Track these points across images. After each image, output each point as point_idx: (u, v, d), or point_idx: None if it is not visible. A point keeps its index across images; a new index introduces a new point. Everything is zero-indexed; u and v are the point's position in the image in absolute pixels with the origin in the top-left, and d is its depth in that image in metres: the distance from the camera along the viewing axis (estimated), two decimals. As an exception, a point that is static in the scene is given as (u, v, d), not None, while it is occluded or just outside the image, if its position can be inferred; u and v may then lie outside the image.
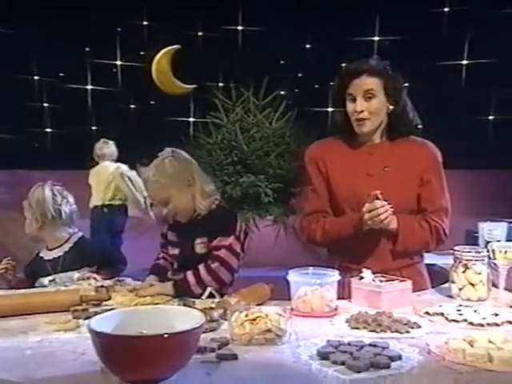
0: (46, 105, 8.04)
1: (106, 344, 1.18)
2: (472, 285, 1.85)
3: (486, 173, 7.00)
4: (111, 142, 6.17)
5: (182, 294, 1.96)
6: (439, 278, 2.32)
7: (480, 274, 1.85)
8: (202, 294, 1.91)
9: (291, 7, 7.83)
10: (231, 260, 2.05)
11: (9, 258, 2.52)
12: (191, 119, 8.60)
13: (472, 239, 2.89)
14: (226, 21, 8.52)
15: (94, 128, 8.36)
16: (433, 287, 2.14)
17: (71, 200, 2.55)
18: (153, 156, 6.89)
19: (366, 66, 2.03)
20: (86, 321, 1.65)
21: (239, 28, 8.64)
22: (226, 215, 2.18)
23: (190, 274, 2.02)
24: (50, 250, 2.52)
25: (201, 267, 2.02)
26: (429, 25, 7.91)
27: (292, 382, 1.18)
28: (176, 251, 2.22)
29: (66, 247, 2.50)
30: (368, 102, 2.01)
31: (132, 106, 8.64)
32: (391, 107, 2.05)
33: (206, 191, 2.15)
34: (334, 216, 2.13)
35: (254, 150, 5.95)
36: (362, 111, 2.00)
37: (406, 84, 2.15)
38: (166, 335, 1.16)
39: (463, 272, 1.87)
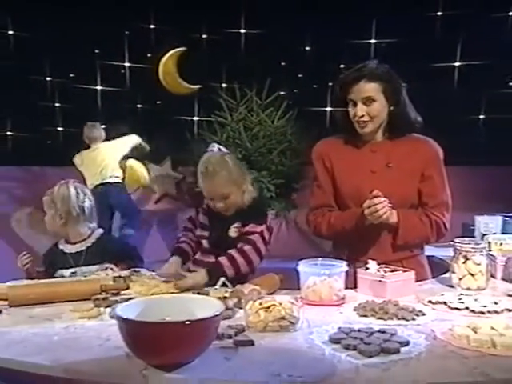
0: (57, 104, 8.01)
1: (132, 330, 1.19)
2: (472, 275, 1.86)
3: (475, 169, 7.00)
4: (98, 124, 6.20)
5: (216, 277, 1.98)
6: (438, 268, 2.33)
7: (479, 264, 1.87)
8: (215, 284, 1.92)
9: (291, 11, 7.82)
10: (261, 246, 2.10)
11: (26, 253, 2.53)
12: (195, 118, 8.59)
13: (468, 232, 2.90)
14: (229, 24, 8.50)
15: (103, 126, 8.36)
16: (433, 278, 2.15)
17: (90, 196, 2.55)
18: (160, 153, 6.81)
19: (364, 72, 2.02)
20: (108, 309, 1.67)
21: (242, 31, 8.62)
22: (260, 206, 2.27)
23: (223, 258, 2.04)
24: (73, 243, 2.50)
25: (233, 251, 2.06)
26: (423, 28, 7.89)
27: (307, 366, 1.19)
28: (205, 233, 2.25)
29: (89, 242, 2.49)
30: (368, 106, 2.01)
31: (139, 106, 8.62)
32: (392, 107, 2.06)
33: (250, 189, 2.20)
34: (339, 210, 2.14)
35: (257, 148, 5.97)
36: (362, 115, 2.01)
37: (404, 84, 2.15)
38: (187, 322, 1.17)
39: (463, 263, 1.88)
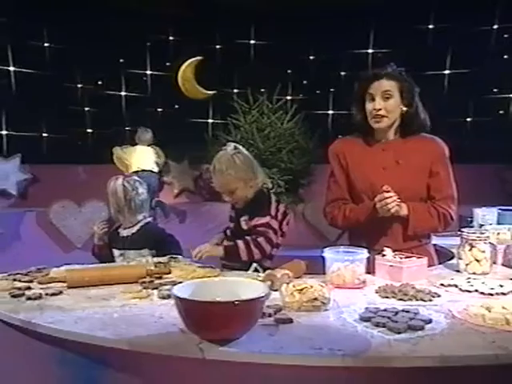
0: (87, 109, 8.08)
1: (188, 308, 1.21)
2: (477, 261, 1.87)
3: (464, 167, 7.00)
4: (149, 129, 6.58)
5: (231, 256, 2.04)
6: (440, 256, 2.33)
7: (484, 251, 1.88)
8: (248, 268, 1.94)
9: (296, 24, 7.83)
10: (270, 235, 2.13)
11: (103, 220, 2.58)
12: (210, 120, 8.62)
13: (465, 223, 2.90)
14: (240, 36, 8.54)
15: (127, 128, 8.41)
16: (439, 264, 2.15)
17: (141, 190, 2.55)
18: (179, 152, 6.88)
19: (384, 72, 2.03)
20: (154, 290, 1.69)
21: (251, 42, 8.64)
22: (262, 199, 2.22)
23: (240, 242, 2.08)
24: (124, 228, 2.56)
25: (250, 239, 2.08)
26: (416, 39, 7.92)
27: (344, 340, 1.20)
28: (231, 224, 2.30)
29: (134, 229, 2.54)
30: (385, 101, 2.01)
31: (159, 110, 8.66)
32: (405, 108, 2.05)
33: (261, 182, 2.19)
34: (354, 203, 2.14)
35: (268, 147, 5.99)
36: (379, 109, 2.01)
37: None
38: (236, 302, 1.18)
39: (469, 250, 1.89)
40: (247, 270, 1.93)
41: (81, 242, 5.74)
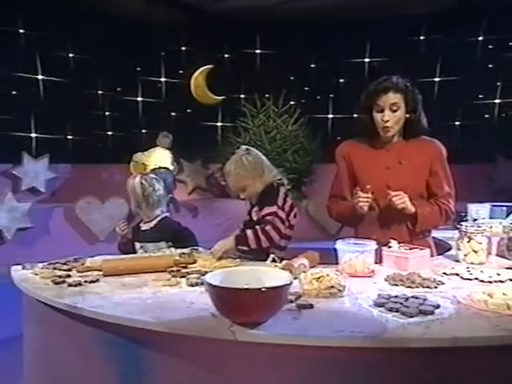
0: (107, 113, 8.09)
1: (220, 294, 1.22)
2: (475, 252, 1.88)
3: (454, 167, 6.98)
4: (170, 135, 6.69)
5: (240, 245, 2.04)
6: (439, 247, 2.33)
7: (481, 243, 1.88)
8: (266, 259, 1.94)
9: (298, 34, 7.83)
10: (278, 224, 2.11)
11: (124, 220, 2.57)
12: (219, 124, 8.63)
13: (459, 218, 2.89)
14: (247, 45, 8.55)
15: (143, 131, 8.43)
16: (438, 255, 2.15)
17: (158, 187, 2.53)
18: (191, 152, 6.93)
19: (391, 84, 2.01)
20: (182, 278, 1.70)
21: (257, 51, 8.65)
22: (271, 191, 2.22)
23: (249, 232, 2.08)
24: (144, 223, 2.55)
25: (258, 228, 2.09)
26: (408, 49, 7.92)
27: (362, 324, 1.21)
28: (246, 217, 2.30)
29: (152, 223, 2.52)
30: (393, 113, 2.00)
31: (173, 114, 8.68)
32: (408, 115, 2.05)
33: (272, 178, 2.20)
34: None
35: (274, 148, 6.00)
36: (388, 121, 2.01)
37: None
38: (264, 289, 1.19)
39: (468, 242, 1.89)
40: (265, 260, 1.94)
41: (104, 235, 5.76)
